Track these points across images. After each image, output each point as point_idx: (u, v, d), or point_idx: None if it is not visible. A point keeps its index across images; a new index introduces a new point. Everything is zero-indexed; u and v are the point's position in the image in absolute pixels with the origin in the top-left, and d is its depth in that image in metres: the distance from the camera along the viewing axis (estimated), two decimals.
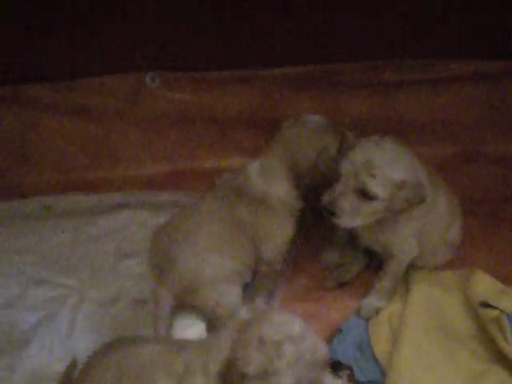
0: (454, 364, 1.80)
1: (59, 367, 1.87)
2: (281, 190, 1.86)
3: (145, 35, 2.40)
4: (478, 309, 1.88)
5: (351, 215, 1.68)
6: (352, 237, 2.02)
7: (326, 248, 2.16)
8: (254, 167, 1.90)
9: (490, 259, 2.15)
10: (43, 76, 2.48)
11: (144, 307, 2.06)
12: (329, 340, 1.90)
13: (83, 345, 1.95)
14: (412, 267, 2.04)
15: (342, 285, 2.09)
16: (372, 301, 1.97)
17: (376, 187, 1.63)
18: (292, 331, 1.27)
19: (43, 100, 2.54)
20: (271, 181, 1.85)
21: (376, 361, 1.85)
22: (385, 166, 1.63)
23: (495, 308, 1.84)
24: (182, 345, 1.50)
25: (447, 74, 2.53)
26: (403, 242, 1.86)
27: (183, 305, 1.90)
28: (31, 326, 2.01)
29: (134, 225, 2.35)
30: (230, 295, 1.89)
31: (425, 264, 2.05)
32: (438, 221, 1.90)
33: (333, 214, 1.68)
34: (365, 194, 1.65)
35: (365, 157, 1.64)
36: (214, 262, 1.86)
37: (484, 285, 1.96)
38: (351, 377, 1.80)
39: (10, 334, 2.00)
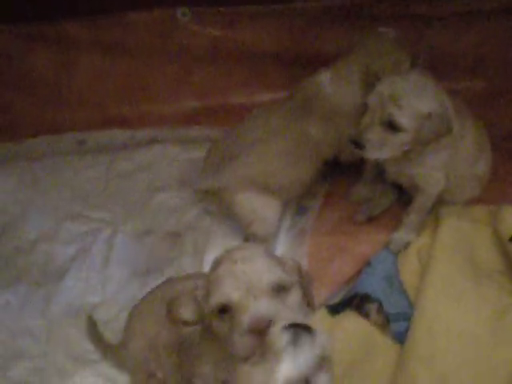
0: (480, 297, 1.80)
1: (94, 299, 1.95)
2: (355, 97, 1.88)
3: None
4: (506, 244, 1.88)
5: (378, 147, 1.68)
6: (380, 171, 2.01)
7: (355, 183, 2.16)
8: (324, 77, 1.94)
9: None
10: (77, 13, 2.49)
11: (177, 240, 2.10)
12: (358, 273, 1.92)
13: (118, 276, 2.03)
14: (441, 202, 2.03)
15: (371, 219, 2.09)
16: (401, 235, 1.98)
17: (402, 118, 1.63)
18: (233, 269, 1.21)
19: (75, 37, 2.55)
20: (345, 88, 1.87)
21: (404, 293, 1.86)
22: (411, 97, 1.63)
23: None
24: None
25: (479, 8, 2.46)
26: (430, 174, 1.85)
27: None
28: (67, 258, 2.07)
29: (166, 159, 2.38)
30: (269, 208, 1.93)
31: (454, 199, 2.03)
32: (464, 153, 1.88)
33: (360, 146, 1.68)
34: (391, 126, 1.65)
35: (391, 89, 1.64)
36: (275, 167, 1.91)
37: None
38: (380, 309, 1.81)
39: (46, 267, 2.06)
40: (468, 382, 1.62)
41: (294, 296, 1.26)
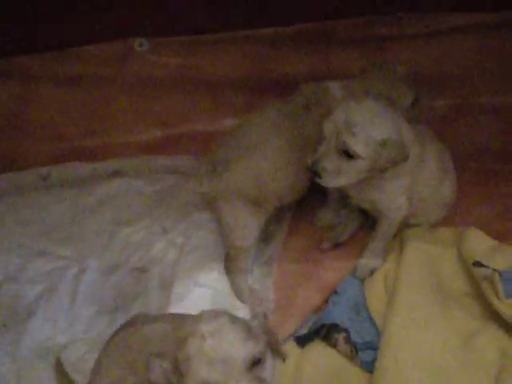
0: (448, 322, 1.81)
1: (63, 339, 1.93)
2: None
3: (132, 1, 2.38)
4: (471, 267, 1.88)
5: (334, 175, 1.68)
6: (344, 197, 2.02)
7: (321, 208, 2.16)
8: (335, 85, 1.96)
9: (486, 215, 2.14)
10: (35, 47, 2.49)
11: (143, 274, 2.09)
12: (325, 302, 1.93)
13: (85, 315, 2.00)
14: (407, 225, 2.05)
15: (337, 245, 2.10)
16: (366, 261, 1.98)
17: (357, 146, 1.63)
18: (204, 347, 1.20)
19: (34, 72, 2.54)
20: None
21: (372, 321, 1.86)
22: (366, 124, 1.63)
23: (488, 267, 1.83)
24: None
25: (443, 27, 2.50)
26: (392, 200, 1.85)
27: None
28: (34, 298, 2.04)
29: (131, 192, 2.37)
30: (252, 218, 1.92)
31: (419, 222, 2.05)
32: (427, 177, 1.89)
33: (316, 174, 1.69)
34: (347, 154, 1.65)
35: (346, 116, 1.64)
36: (268, 171, 1.88)
37: (478, 243, 1.96)
38: (347, 339, 1.81)
39: (13, 308, 2.03)
40: None
41: (268, 364, 1.25)
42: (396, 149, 1.66)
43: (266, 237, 2.15)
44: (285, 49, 2.52)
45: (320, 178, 1.70)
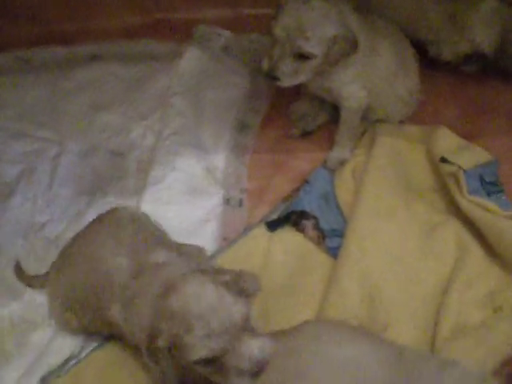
0: (412, 214, 1.89)
1: (41, 218, 1.98)
2: None
3: None
4: (438, 163, 1.96)
5: (292, 76, 1.77)
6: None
7: (294, 101, 2.21)
8: None
9: (455, 115, 2.20)
10: None
11: (121, 159, 2.14)
12: (297, 190, 2.00)
13: (64, 195, 2.05)
14: (378, 121, 2.12)
15: (306, 134, 2.17)
16: (336, 153, 2.06)
17: (311, 47, 1.70)
18: (201, 305, 1.23)
19: None
20: None
21: (339, 210, 1.95)
22: (316, 25, 1.69)
23: (454, 164, 1.91)
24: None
25: None
26: (344, 87, 1.92)
27: None
28: (13, 178, 2.08)
29: (109, 77, 2.37)
30: None
31: (386, 117, 2.12)
32: (381, 69, 1.96)
33: (275, 78, 1.76)
34: (302, 56, 1.72)
35: (296, 20, 1.69)
36: None
37: (446, 141, 2.02)
38: (316, 225, 1.90)
39: None
40: (397, 296, 1.72)
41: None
42: (346, 41, 1.75)
43: (241, 126, 2.21)
44: None
45: (279, 81, 1.77)
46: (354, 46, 1.77)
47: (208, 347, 1.20)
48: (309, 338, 1.44)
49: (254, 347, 1.23)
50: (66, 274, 1.61)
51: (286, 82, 1.79)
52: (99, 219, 1.69)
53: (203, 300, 1.23)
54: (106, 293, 1.47)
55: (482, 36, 2.19)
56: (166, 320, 1.24)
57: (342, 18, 1.76)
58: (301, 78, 1.80)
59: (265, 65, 1.79)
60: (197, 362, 1.22)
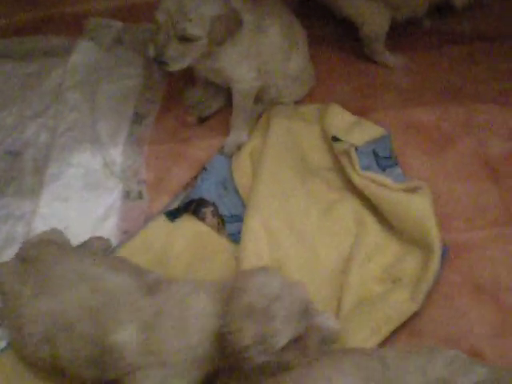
0: (309, 193, 1.92)
1: None
2: None
3: None
4: (331, 142, 1.98)
5: (180, 59, 1.78)
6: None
7: (188, 88, 2.21)
8: None
9: (347, 92, 2.24)
10: None
11: (17, 159, 2.10)
12: (195, 179, 2.01)
13: None
14: (274, 103, 2.14)
15: (202, 120, 2.18)
16: (233, 137, 2.07)
17: (195, 29, 1.72)
18: (275, 291, 1.27)
19: None
20: None
21: (238, 195, 1.96)
22: (197, 6, 1.71)
23: (345, 142, 1.94)
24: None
25: None
26: (234, 68, 1.94)
27: None
28: None
29: (2, 76, 2.32)
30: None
31: (280, 98, 2.14)
32: (271, 48, 1.98)
33: (163, 63, 1.77)
34: (186, 38, 1.73)
35: (177, 3, 1.71)
36: None
37: (338, 118, 2.05)
38: (215, 212, 1.91)
39: None
40: (301, 275, 1.74)
41: None
42: (229, 20, 1.77)
43: (137, 117, 2.19)
44: None
45: (167, 65, 1.78)
46: (237, 24, 1.79)
47: (293, 328, 1.25)
48: None
49: (327, 319, 1.36)
50: (48, 299, 1.44)
51: (175, 66, 1.80)
52: (46, 242, 1.61)
53: (274, 287, 1.28)
54: (109, 314, 1.38)
55: None
56: (246, 318, 1.25)
57: None
58: (188, 61, 1.81)
59: (151, 51, 1.79)
60: (283, 348, 1.25)
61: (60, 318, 1.39)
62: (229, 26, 1.78)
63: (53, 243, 1.59)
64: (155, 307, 1.36)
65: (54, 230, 1.73)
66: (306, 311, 1.29)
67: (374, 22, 2.21)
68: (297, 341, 1.27)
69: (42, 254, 1.52)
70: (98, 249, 1.77)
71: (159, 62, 1.77)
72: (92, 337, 1.37)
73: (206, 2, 1.72)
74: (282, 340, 1.24)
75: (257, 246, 1.78)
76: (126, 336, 1.35)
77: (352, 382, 1.32)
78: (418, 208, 1.77)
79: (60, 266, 1.46)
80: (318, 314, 1.34)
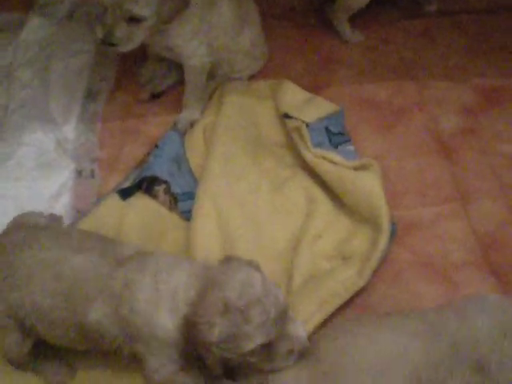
0: (261, 171, 1.95)
1: None
2: None
3: None
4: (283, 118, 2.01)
5: (129, 40, 1.78)
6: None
7: (141, 64, 2.23)
8: None
9: (300, 68, 2.30)
10: None
11: None
12: (148, 155, 2.00)
13: None
14: (228, 79, 2.17)
15: (154, 96, 2.20)
16: (186, 114, 2.09)
17: (141, 9, 1.73)
18: (256, 293, 1.25)
19: None
20: None
21: (191, 173, 1.97)
22: None
23: (297, 119, 1.97)
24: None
25: None
26: (185, 44, 1.95)
27: None
28: None
29: None
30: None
31: (234, 73, 2.17)
32: (222, 24, 2.01)
33: (113, 45, 1.77)
34: (134, 19, 1.74)
35: None
36: None
37: (290, 95, 2.08)
38: (167, 190, 1.91)
39: None
40: (252, 253, 1.72)
41: None
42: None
43: (90, 94, 2.19)
44: None
45: (117, 46, 1.78)
46: (185, 2, 1.80)
47: (265, 334, 1.24)
48: None
49: (299, 329, 1.32)
50: (17, 292, 1.40)
51: (125, 47, 1.80)
52: (16, 228, 1.58)
53: (255, 288, 1.26)
54: (79, 296, 1.36)
55: None
56: (220, 314, 1.23)
57: None
58: (138, 41, 1.81)
59: (99, 33, 1.79)
60: (251, 351, 1.25)
61: (33, 309, 1.38)
62: (176, 5, 1.78)
63: (22, 228, 1.55)
64: (124, 279, 1.34)
65: (28, 214, 1.68)
66: (281, 318, 1.28)
67: None
68: (265, 346, 1.26)
69: (9, 243, 1.48)
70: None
71: (109, 43, 1.77)
72: (70, 320, 1.36)
73: None
74: (252, 344, 1.24)
75: (207, 225, 1.80)
76: (98, 314, 1.34)
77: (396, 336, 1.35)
78: (368, 186, 1.79)
79: (24, 254, 1.43)
80: (291, 322, 1.33)
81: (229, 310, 1.23)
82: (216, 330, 1.23)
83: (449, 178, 1.97)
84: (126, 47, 1.80)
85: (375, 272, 1.69)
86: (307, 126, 1.94)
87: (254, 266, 1.35)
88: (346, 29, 2.36)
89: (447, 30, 2.42)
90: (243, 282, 1.27)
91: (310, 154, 1.90)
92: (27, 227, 1.56)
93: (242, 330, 1.23)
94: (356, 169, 1.86)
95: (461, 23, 2.44)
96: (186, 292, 1.30)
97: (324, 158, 1.88)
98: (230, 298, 1.24)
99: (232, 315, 1.23)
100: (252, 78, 2.22)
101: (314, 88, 2.15)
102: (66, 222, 1.85)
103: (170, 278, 1.33)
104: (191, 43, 1.95)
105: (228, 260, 1.37)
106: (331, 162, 1.88)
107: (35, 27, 2.32)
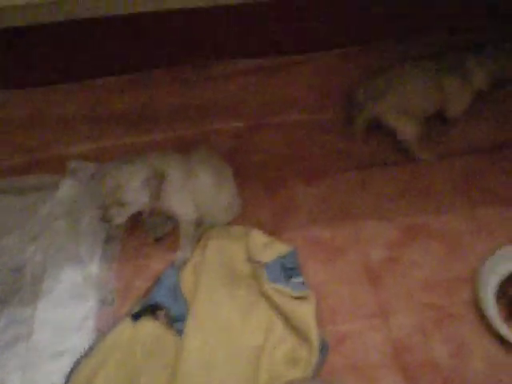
0: (234, 298, 2.41)
1: None
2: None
3: None
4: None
5: (119, 216, 2.31)
6: None
7: (146, 216, 2.71)
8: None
9: (268, 214, 2.77)
10: None
11: (19, 274, 2.63)
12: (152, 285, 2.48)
13: None
14: (208, 226, 2.68)
15: (157, 239, 2.72)
16: (181, 254, 2.57)
17: (128, 198, 2.28)
18: None
19: None
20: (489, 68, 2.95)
21: (184, 300, 2.42)
22: (127, 181, 2.26)
23: (258, 262, 2.48)
24: None
25: (233, 69, 3.17)
26: (178, 208, 2.48)
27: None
28: None
29: (3, 209, 2.86)
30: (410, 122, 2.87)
31: (216, 221, 2.67)
32: (204, 188, 2.50)
33: (108, 221, 2.31)
34: (122, 203, 2.28)
35: (114, 180, 2.27)
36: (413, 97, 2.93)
37: (255, 241, 2.58)
38: (167, 313, 2.37)
39: None
40: (223, 362, 2.22)
41: None
42: (154, 179, 2.27)
43: (108, 239, 2.76)
44: None
45: (111, 222, 2.32)
46: (161, 179, 2.29)
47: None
48: None
49: None
50: None
51: (117, 221, 2.33)
52: None
53: None
54: None
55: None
56: None
57: (143, 168, 2.30)
58: (126, 217, 2.33)
59: (100, 213, 2.33)
60: None
61: None
62: (155, 186, 2.26)
63: None
64: None
65: None
66: None
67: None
68: None
69: None
70: None
71: (105, 221, 2.30)
72: None
73: (134, 174, 2.24)
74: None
75: (193, 343, 2.27)
76: None
77: None
78: (303, 314, 2.28)
79: None
80: None
81: None
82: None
83: (373, 299, 2.39)
84: (118, 221, 2.31)
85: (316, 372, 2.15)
86: (265, 264, 2.46)
87: None
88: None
89: (377, 180, 2.88)
90: None
91: (268, 287, 2.38)
92: None
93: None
94: (297, 299, 2.32)
95: (391, 172, 2.92)
96: None
97: (277, 290, 2.36)
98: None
99: None
100: (229, 223, 2.70)
101: (275, 231, 2.65)
102: (91, 338, 2.37)
103: None
104: (182, 206, 2.45)
105: None
106: (282, 294, 2.35)
107: (68, 187, 2.84)
